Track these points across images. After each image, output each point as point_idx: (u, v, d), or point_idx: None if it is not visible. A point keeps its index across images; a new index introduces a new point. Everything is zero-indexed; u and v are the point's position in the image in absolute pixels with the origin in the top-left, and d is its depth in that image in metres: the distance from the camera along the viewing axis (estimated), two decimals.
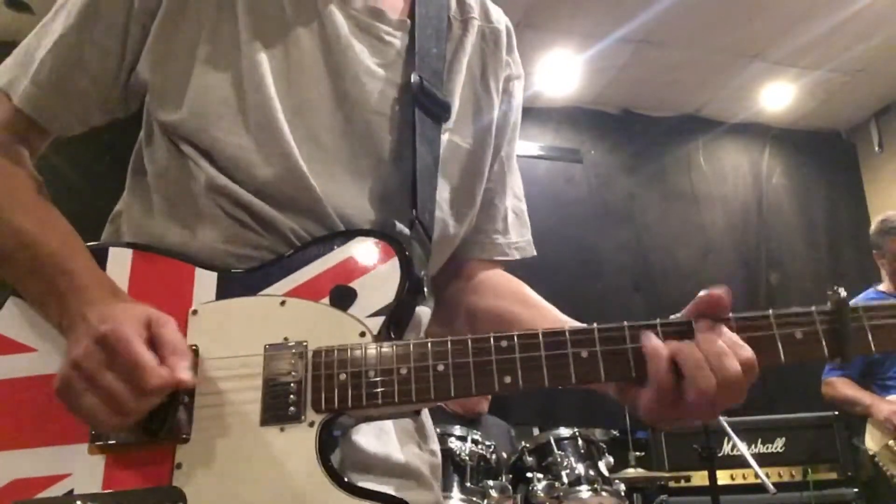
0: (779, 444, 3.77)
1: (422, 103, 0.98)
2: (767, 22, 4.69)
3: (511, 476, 3.14)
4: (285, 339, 0.84)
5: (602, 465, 3.10)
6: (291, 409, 0.81)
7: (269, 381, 0.82)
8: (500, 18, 1.16)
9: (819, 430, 3.78)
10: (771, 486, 2.94)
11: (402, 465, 0.93)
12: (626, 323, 0.82)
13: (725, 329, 0.78)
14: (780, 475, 3.66)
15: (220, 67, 0.93)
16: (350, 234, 0.90)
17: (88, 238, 0.92)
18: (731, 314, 0.80)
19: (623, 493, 3.03)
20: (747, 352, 0.77)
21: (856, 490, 3.59)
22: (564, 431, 3.19)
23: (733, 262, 5.54)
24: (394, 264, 0.88)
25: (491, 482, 2.94)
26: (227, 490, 0.79)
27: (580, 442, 3.15)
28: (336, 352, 0.83)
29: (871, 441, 3.41)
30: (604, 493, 2.94)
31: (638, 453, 3.60)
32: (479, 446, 3.04)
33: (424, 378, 0.81)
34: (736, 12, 4.60)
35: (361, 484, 0.81)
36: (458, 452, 2.92)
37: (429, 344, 0.83)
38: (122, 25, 0.94)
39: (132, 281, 0.89)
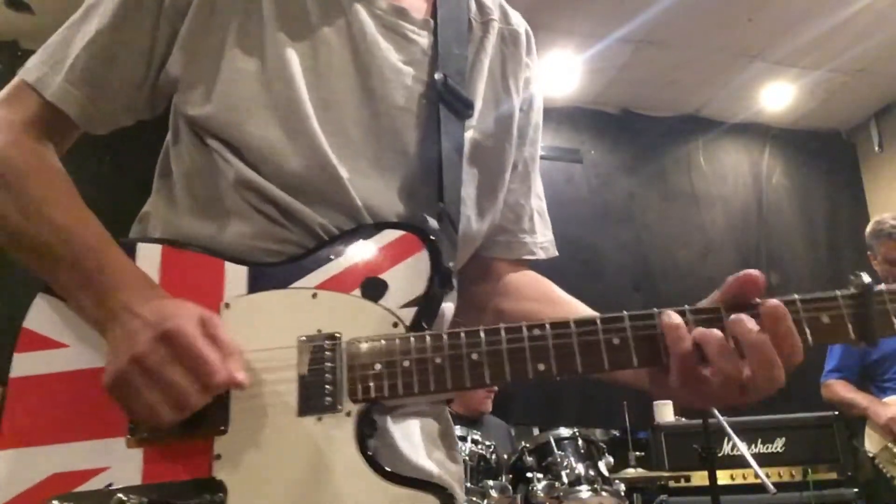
0: (779, 444, 3.76)
1: (446, 100, 0.99)
2: (767, 22, 4.69)
3: (511, 476, 3.13)
4: (318, 330, 0.85)
5: (602, 465, 3.10)
6: (328, 399, 0.82)
7: (304, 372, 0.83)
8: (520, 21, 1.18)
9: (819, 430, 3.77)
10: (771, 486, 2.93)
11: (428, 473, 0.93)
12: (656, 310, 0.83)
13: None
14: (780, 475, 3.66)
15: (248, 64, 0.94)
16: (379, 226, 0.91)
17: None
18: (758, 300, 0.81)
19: (623, 493, 3.03)
20: (796, 340, 0.78)
21: (856, 490, 3.59)
22: (564, 431, 3.19)
23: (733, 262, 5.54)
24: (423, 256, 0.89)
25: (491, 482, 2.94)
26: (268, 480, 0.80)
27: (580, 442, 3.15)
28: (370, 342, 0.84)
29: (870, 443, 3.41)
30: (604, 493, 2.93)
31: (638, 453, 3.59)
32: (479, 446, 3.04)
33: (459, 367, 0.82)
34: (736, 12, 4.60)
35: None
36: None
37: (462, 333, 0.83)
38: (152, 26, 0.96)
39: (163, 276, 0.89)
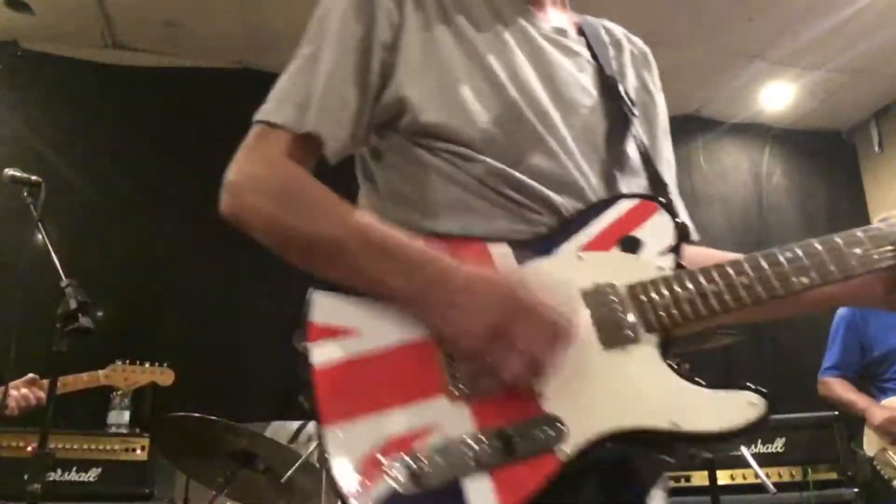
0: (779, 444, 3.76)
1: (618, 103, 1.15)
2: (767, 22, 4.69)
3: None
4: (594, 283, 0.95)
5: None
6: (627, 332, 0.92)
7: (596, 314, 0.93)
8: (640, 42, 1.33)
9: (819, 430, 3.77)
10: (771, 486, 2.94)
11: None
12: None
13: None
14: (780, 475, 3.65)
15: (467, 77, 1.06)
16: (613, 198, 1.05)
17: None
18: None
19: None
20: None
21: (856, 490, 3.58)
22: None
23: None
24: (663, 214, 1.03)
25: None
26: (597, 407, 0.87)
27: None
28: (649, 283, 0.95)
29: (868, 445, 3.41)
30: None
31: None
32: None
33: (733, 288, 0.95)
34: (736, 12, 4.60)
35: None
36: None
37: (725, 264, 0.97)
38: (365, 64, 1.05)
39: None
